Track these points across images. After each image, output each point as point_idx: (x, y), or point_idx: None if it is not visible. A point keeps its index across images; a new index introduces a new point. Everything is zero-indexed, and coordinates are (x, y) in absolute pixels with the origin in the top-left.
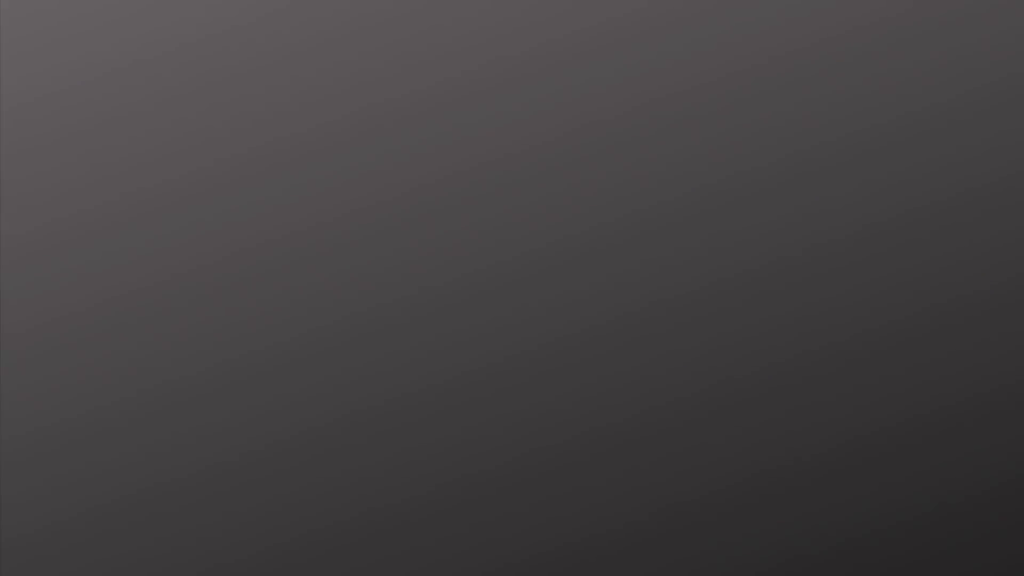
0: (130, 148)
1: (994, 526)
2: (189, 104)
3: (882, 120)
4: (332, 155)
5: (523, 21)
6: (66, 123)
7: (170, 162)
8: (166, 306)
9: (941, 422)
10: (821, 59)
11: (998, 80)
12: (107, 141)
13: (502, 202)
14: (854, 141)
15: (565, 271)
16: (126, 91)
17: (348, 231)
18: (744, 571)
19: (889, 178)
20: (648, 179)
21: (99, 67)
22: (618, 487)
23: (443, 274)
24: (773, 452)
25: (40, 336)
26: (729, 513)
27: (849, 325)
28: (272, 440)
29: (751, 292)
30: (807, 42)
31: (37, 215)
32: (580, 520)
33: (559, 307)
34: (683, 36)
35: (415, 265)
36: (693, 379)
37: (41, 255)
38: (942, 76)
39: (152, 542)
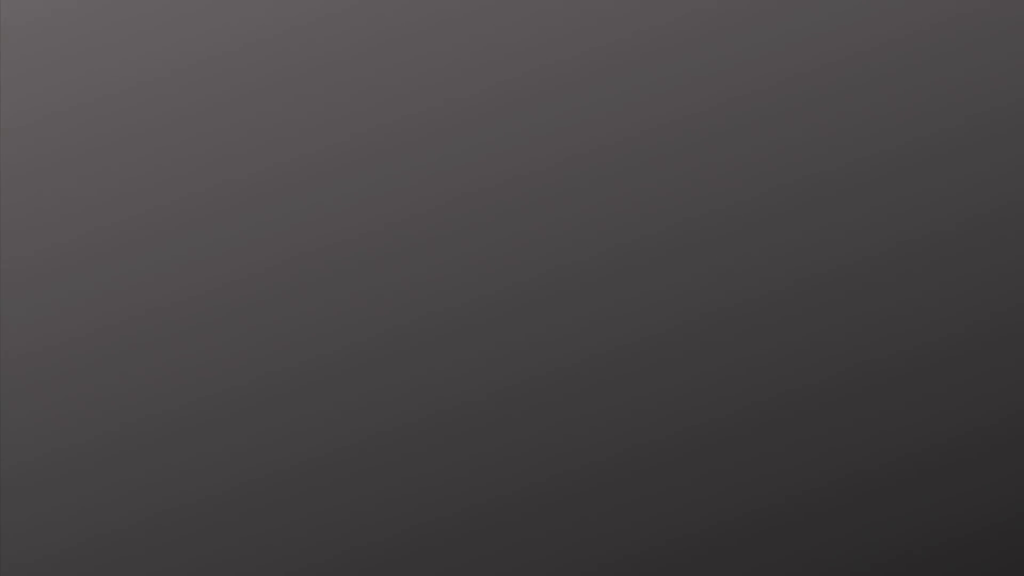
0: (134, 170)
1: (1016, 554)
2: (193, 125)
3: (896, 144)
4: (343, 176)
5: (543, 39)
6: (68, 144)
7: (175, 184)
8: (174, 329)
9: (963, 448)
10: (838, 80)
11: (1019, 101)
12: (110, 162)
13: (518, 222)
14: (879, 162)
15: (585, 292)
16: (130, 111)
17: (366, 251)
18: None
19: (909, 200)
20: (666, 200)
21: (103, 87)
22: (637, 512)
23: (459, 295)
24: (796, 477)
25: (43, 360)
26: (750, 538)
27: (875, 347)
28: (283, 464)
29: (774, 314)
30: (825, 62)
31: (38, 237)
32: (596, 545)
33: (586, 326)
34: (699, 58)
35: (432, 287)
36: (713, 403)
37: (44, 277)
38: (956, 99)
39: (156, 568)
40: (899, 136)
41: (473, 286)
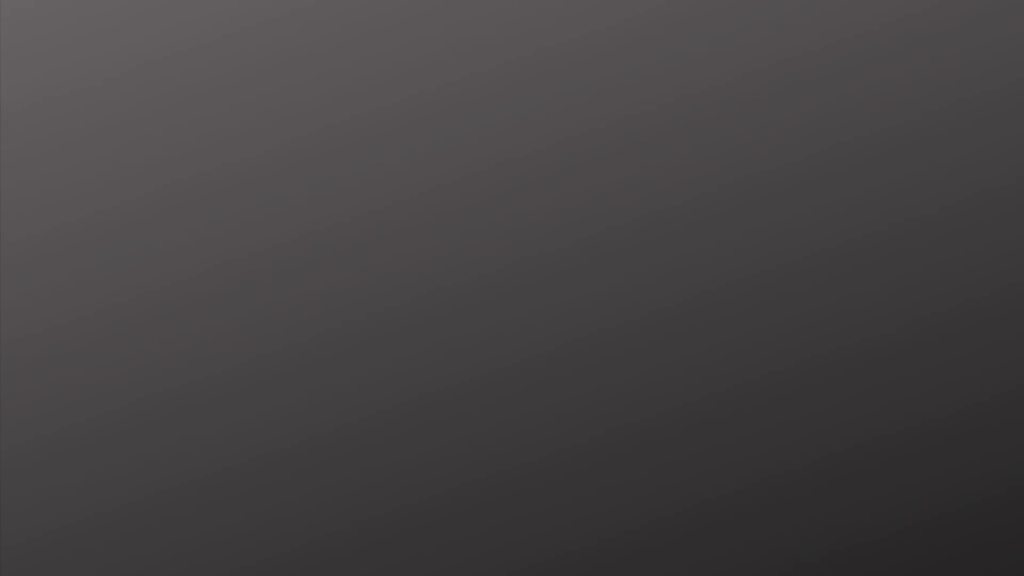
0: (131, 153)
1: (999, 532)
2: (189, 110)
3: (887, 125)
4: (336, 160)
5: (531, 24)
6: (66, 129)
7: (171, 168)
8: (169, 312)
9: (947, 428)
10: (827, 64)
11: (1007, 85)
12: (108, 147)
13: (508, 206)
14: (863, 145)
15: (574, 275)
16: (127, 96)
17: (351, 236)
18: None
19: (897, 183)
20: (655, 183)
21: (99, 73)
22: (625, 492)
23: (450, 278)
24: (782, 457)
25: (42, 342)
26: (736, 518)
27: (858, 329)
28: (277, 446)
29: (760, 296)
30: (815, 46)
31: (37, 221)
32: (588, 525)
33: (568, 311)
34: (689, 40)
35: (421, 270)
36: (700, 384)
37: (42, 261)
38: (946, 82)
39: (155, 548)
40: (882, 122)
41: (460, 270)
